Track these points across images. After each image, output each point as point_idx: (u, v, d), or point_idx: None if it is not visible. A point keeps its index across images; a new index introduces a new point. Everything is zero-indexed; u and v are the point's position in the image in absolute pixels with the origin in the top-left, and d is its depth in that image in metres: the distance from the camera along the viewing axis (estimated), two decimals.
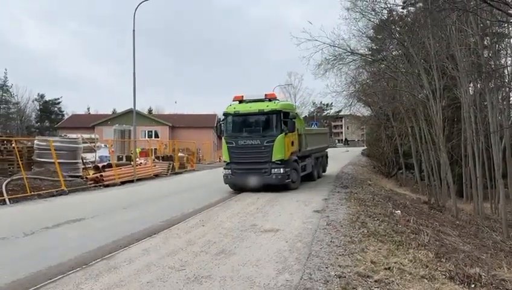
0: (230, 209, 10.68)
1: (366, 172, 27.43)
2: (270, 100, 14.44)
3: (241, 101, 14.78)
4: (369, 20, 20.50)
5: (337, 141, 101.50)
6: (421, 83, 19.32)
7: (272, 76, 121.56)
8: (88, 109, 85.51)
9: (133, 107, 22.88)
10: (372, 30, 22.76)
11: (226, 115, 14.72)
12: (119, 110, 63.96)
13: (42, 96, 74.85)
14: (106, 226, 8.99)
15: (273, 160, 13.62)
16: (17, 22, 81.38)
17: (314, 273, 5.30)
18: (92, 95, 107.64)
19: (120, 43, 74.93)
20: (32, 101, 72.26)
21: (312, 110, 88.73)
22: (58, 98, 77.73)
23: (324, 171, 20.58)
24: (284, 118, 13.89)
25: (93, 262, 6.05)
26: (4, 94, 68.61)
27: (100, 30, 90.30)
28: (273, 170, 13.66)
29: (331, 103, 76.65)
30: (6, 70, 66.26)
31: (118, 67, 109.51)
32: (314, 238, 7.13)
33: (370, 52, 23.83)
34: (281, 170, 13.67)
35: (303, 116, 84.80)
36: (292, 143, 14.44)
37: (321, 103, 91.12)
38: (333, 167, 24.49)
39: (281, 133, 13.77)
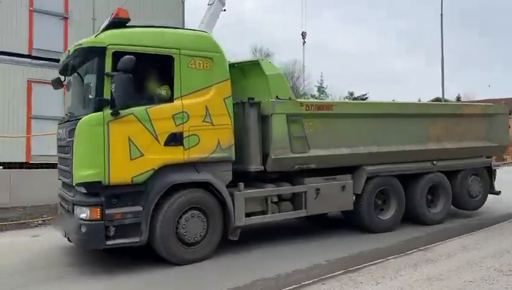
0: None
1: None
2: (117, 26, 5.63)
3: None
4: None
5: None
6: None
7: None
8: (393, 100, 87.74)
9: (441, 96, 22.13)
10: None
11: None
12: (424, 98, 62.44)
13: (352, 93, 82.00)
14: None
15: (75, 183, 5.45)
16: (331, 28, 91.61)
17: None
18: (398, 85, 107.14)
19: (429, 29, 71.74)
20: (344, 99, 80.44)
21: None
22: (365, 94, 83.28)
23: (469, 207, 8.93)
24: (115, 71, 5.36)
25: (410, 251, 6.15)
26: (321, 95, 79.36)
27: (407, 21, 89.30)
28: (75, 209, 5.49)
29: None
30: (322, 73, 76.31)
31: (428, 55, 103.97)
32: None
33: None
34: (87, 212, 5.28)
35: None
36: (175, 137, 5.67)
37: None
38: None
39: (99, 109, 5.35)
